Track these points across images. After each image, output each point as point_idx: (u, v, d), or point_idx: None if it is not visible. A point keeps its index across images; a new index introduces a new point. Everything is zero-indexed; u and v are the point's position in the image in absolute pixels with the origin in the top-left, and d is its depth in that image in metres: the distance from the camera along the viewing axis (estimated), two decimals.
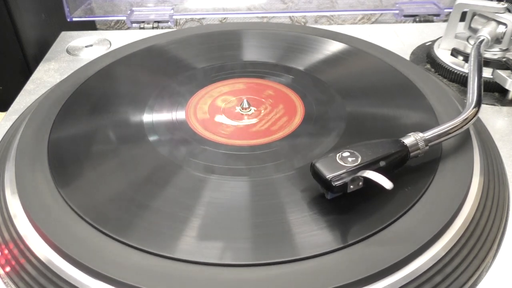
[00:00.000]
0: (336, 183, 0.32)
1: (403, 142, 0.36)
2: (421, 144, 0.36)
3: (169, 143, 0.42)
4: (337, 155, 0.34)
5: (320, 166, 0.33)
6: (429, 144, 0.37)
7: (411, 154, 0.36)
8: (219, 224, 0.34)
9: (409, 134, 0.37)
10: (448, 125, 0.38)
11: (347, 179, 0.33)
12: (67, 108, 0.46)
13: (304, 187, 0.36)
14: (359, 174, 0.33)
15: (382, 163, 0.34)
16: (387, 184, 0.31)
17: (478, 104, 0.41)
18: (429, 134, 0.37)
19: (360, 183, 0.33)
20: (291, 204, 0.35)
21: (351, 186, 0.33)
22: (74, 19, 0.74)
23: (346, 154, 0.34)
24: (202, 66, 0.53)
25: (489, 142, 0.44)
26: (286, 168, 0.38)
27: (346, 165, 0.33)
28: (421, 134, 0.37)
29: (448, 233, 0.33)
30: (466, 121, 0.39)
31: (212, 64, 0.54)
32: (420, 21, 0.72)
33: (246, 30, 0.61)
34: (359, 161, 0.34)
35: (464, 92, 0.50)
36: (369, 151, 0.34)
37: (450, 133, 0.38)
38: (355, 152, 0.34)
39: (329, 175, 0.33)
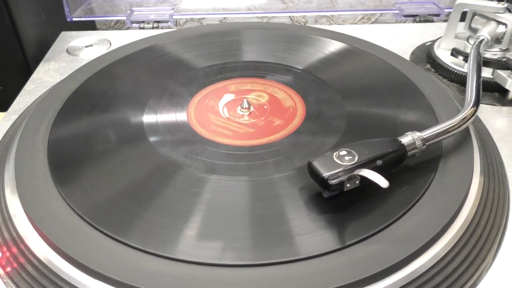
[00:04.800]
0: (332, 181, 0.33)
1: (400, 141, 0.36)
2: (418, 143, 0.36)
3: (169, 143, 0.42)
4: (334, 153, 0.34)
5: (317, 164, 0.33)
6: (427, 143, 0.37)
7: (409, 153, 0.36)
8: (219, 224, 0.34)
9: (406, 133, 0.37)
10: (446, 124, 0.38)
11: (343, 178, 0.33)
12: (67, 108, 0.46)
13: (305, 187, 0.36)
14: (356, 172, 0.33)
15: (379, 162, 0.34)
16: (383, 182, 0.31)
17: (477, 104, 0.41)
18: (426, 133, 0.37)
19: (357, 182, 0.33)
20: (291, 204, 0.35)
21: (348, 185, 0.33)
22: (74, 19, 0.74)
23: (343, 152, 0.34)
24: (202, 66, 0.53)
25: (489, 142, 0.44)
26: (286, 168, 0.38)
27: (343, 163, 0.33)
28: (418, 133, 0.37)
29: (448, 233, 0.33)
30: (464, 120, 0.39)
31: (212, 64, 0.53)
32: (420, 21, 0.72)
33: (246, 30, 0.61)
34: (356, 160, 0.34)
35: (464, 92, 0.50)
36: (366, 150, 0.34)
37: (448, 132, 0.38)
38: (352, 150, 0.34)
39: (325, 174, 0.33)
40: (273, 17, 0.85)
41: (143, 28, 0.72)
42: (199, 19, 0.87)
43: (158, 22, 0.72)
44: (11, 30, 0.64)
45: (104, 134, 0.43)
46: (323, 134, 0.42)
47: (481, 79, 0.45)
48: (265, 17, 0.84)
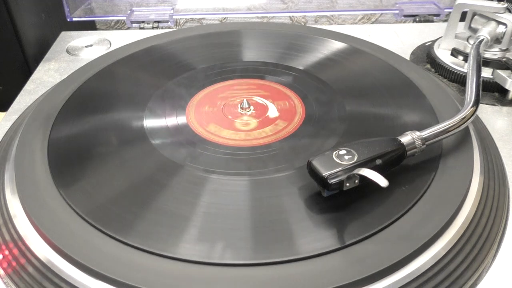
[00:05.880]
0: (332, 181, 0.33)
1: (400, 140, 0.36)
2: (418, 142, 0.36)
3: (169, 143, 0.42)
4: (334, 153, 0.34)
5: (317, 163, 0.34)
6: (426, 143, 0.37)
7: (408, 152, 0.36)
8: (219, 224, 0.34)
9: (406, 132, 0.37)
10: (445, 124, 0.38)
11: (343, 177, 0.33)
12: (67, 108, 0.46)
13: (305, 186, 0.36)
14: (355, 172, 0.33)
15: (378, 161, 0.34)
16: (382, 182, 0.31)
17: (476, 103, 0.41)
18: (426, 133, 0.37)
19: (356, 181, 0.33)
20: (291, 204, 0.35)
21: (347, 184, 0.33)
22: (74, 19, 0.74)
23: (342, 152, 0.34)
24: (202, 66, 0.53)
25: (489, 142, 0.44)
26: (286, 168, 0.38)
27: (343, 163, 0.33)
28: (418, 133, 0.37)
29: (448, 232, 0.33)
30: (463, 120, 0.39)
31: (212, 65, 0.53)
32: (420, 21, 0.72)
33: (246, 30, 0.61)
34: (355, 159, 0.34)
35: (464, 92, 0.50)
36: (366, 149, 0.34)
37: (448, 132, 0.38)
38: (351, 150, 0.34)
39: (325, 173, 0.33)
40: (273, 17, 0.85)
41: (143, 28, 0.72)
42: (199, 19, 0.87)
43: (158, 22, 0.72)
44: (11, 30, 0.64)
45: (104, 135, 0.43)
46: (323, 134, 0.42)
47: (481, 79, 0.45)
48: (265, 17, 0.84)
